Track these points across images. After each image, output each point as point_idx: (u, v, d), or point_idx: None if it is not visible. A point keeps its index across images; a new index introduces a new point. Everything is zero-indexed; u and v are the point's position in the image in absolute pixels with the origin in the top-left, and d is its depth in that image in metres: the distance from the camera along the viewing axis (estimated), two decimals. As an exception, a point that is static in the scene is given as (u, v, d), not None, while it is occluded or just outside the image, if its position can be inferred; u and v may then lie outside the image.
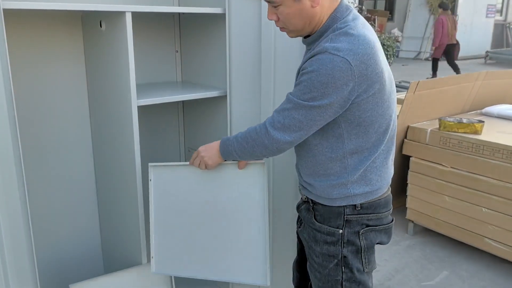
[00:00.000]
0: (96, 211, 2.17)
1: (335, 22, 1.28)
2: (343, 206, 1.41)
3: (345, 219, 1.41)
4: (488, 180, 2.71)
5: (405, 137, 3.14)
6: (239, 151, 1.41)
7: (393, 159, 1.50)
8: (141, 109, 1.75)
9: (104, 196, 2.10)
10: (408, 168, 3.14)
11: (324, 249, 1.44)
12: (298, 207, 1.60)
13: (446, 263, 2.92)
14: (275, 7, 1.30)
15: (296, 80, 1.33)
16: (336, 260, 1.44)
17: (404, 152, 3.15)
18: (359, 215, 1.42)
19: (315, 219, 1.46)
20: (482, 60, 13.91)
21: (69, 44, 1.93)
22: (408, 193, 3.17)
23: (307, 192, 1.49)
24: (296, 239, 1.73)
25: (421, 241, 3.19)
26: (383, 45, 9.56)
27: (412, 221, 3.23)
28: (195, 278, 1.72)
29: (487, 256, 2.93)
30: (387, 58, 9.73)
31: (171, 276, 1.87)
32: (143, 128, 2.16)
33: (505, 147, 2.62)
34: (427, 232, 3.26)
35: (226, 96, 1.95)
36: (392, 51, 9.86)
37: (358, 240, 1.42)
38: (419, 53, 14.46)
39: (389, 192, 1.51)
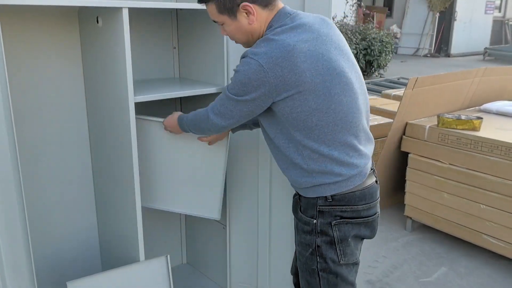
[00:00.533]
0: (94, 208, 2.16)
1: (269, 29, 1.41)
2: (316, 197, 1.45)
3: (318, 209, 1.46)
4: (487, 177, 2.71)
5: (404, 133, 3.13)
6: (192, 129, 1.64)
7: (369, 149, 1.51)
8: (139, 105, 1.74)
9: (101, 193, 2.09)
10: (406, 164, 3.13)
11: (302, 237, 1.52)
12: (293, 198, 1.65)
13: (444, 259, 2.92)
14: (221, 25, 1.47)
15: None
16: (311, 249, 1.49)
17: (403, 148, 3.15)
18: (331, 207, 1.45)
19: (300, 210, 1.53)
20: (481, 57, 13.90)
21: (66, 40, 1.91)
22: (406, 189, 3.17)
23: (291, 183, 1.56)
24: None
25: (419, 238, 3.19)
26: (381, 41, 9.53)
27: (411, 218, 3.23)
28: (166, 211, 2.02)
29: (485, 253, 2.93)
30: (386, 55, 9.71)
31: (168, 273, 1.87)
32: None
33: (503, 144, 2.62)
34: (425, 229, 3.26)
35: (223, 92, 1.94)
36: (390, 48, 9.82)
37: (331, 231, 1.46)
38: (418, 49, 14.45)
39: (370, 184, 1.50)
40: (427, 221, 3.11)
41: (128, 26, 1.60)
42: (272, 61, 1.30)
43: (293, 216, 1.59)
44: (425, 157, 3.02)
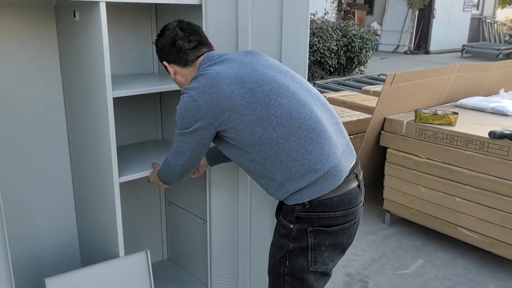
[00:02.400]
0: (73, 204, 2.14)
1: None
2: (295, 204, 1.47)
3: (295, 215, 1.47)
4: (462, 171, 2.77)
5: (382, 128, 3.18)
6: (163, 178, 1.74)
7: (340, 140, 1.50)
8: (118, 101, 1.73)
9: (80, 188, 2.07)
10: (385, 159, 3.19)
11: (277, 239, 1.54)
12: None
13: (421, 251, 2.99)
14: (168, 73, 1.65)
15: None
16: (282, 252, 1.51)
17: (381, 143, 3.20)
18: (308, 213, 1.46)
19: (281, 214, 1.55)
20: (459, 54, 14.16)
21: (42, 35, 1.89)
22: (385, 184, 3.22)
23: (269, 193, 1.58)
24: None
25: (397, 231, 3.25)
26: (362, 38, 9.63)
27: (389, 212, 3.29)
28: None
29: (460, 244, 3.00)
30: (366, 51, 9.81)
31: (149, 268, 1.87)
32: (119, 121, 2.14)
33: (477, 138, 2.68)
34: (403, 222, 3.33)
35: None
36: (371, 44, 9.94)
37: (306, 237, 1.47)
38: (398, 46, 14.64)
39: (350, 190, 1.48)
40: (405, 214, 3.18)
41: (106, 21, 1.59)
42: (200, 90, 1.43)
43: (272, 210, 1.60)
44: (403, 151, 3.07)
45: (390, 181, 3.19)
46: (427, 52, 14.62)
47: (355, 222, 1.53)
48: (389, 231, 3.25)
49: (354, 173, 1.52)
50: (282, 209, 1.55)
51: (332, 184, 1.44)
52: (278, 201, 1.61)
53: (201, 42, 1.59)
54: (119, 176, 1.78)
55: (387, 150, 3.17)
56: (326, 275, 1.56)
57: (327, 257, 1.51)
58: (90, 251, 2.12)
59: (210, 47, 1.62)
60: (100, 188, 1.86)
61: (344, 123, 3.59)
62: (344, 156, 1.51)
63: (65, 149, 2.06)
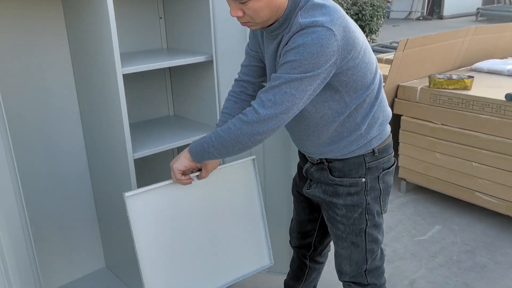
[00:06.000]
0: (89, 183, 2.18)
1: (297, 2, 1.29)
2: (363, 155, 1.47)
3: (367, 167, 1.48)
4: (478, 135, 2.73)
5: (396, 96, 3.14)
6: (218, 144, 1.33)
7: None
8: (128, 78, 1.73)
9: (95, 167, 2.10)
10: (399, 127, 3.15)
11: (348, 200, 1.50)
12: (306, 170, 1.59)
13: (438, 218, 2.98)
14: (243, 3, 1.26)
15: (278, 63, 1.30)
16: (360, 209, 1.51)
17: (395, 111, 3.16)
18: (377, 161, 1.49)
19: (333, 175, 1.50)
20: (473, 18, 13.77)
21: (49, 14, 1.88)
22: (399, 152, 3.20)
23: (321, 155, 1.49)
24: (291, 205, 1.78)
25: (413, 199, 3.24)
26: (372, 5, 9.40)
27: (405, 180, 3.28)
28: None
29: (477, 210, 2.99)
30: (377, 19, 9.59)
31: (256, 176, 1.70)
32: (130, 98, 2.15)
33: (494, 101, 2.63)
34: (419, 190, 3.31)
35: (212, 60, 1.93)
36: (382, 12, 9.71)
37: (378, 185, 1.51)
38: (410, 13, 14.29)
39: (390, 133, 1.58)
40: (420, 181, 3.16)
41: (111, -4, 1.57)
42: (337, 26, 1.22)
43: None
44: (417, 118, 3.03)
45: (405, 149, 3.16)
46: (440, 17, 14.26)
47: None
48: (405, 199, 3.24)
49: None
50: (329, 170, 1.48)
51: (388, 128, 1.54)
52: (318, 166, 1.51)
53: None
54: (133, 152, 1.80)
55: (401, 117, 3.13)
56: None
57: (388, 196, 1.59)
58: (109, 229, 2.16)
59: None
60: (115, 165, 1.88)
61: (357, 92, 3.57)
62: None
63: (78, 128, 2.08)
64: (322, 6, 1.25)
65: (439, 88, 2.90)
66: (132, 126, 2.06)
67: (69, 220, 2.15)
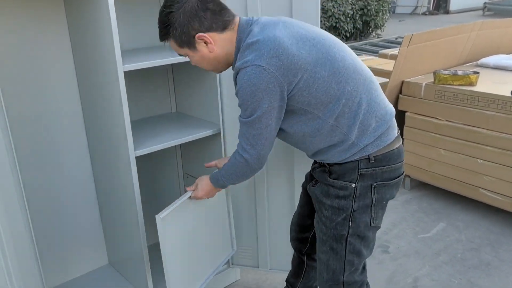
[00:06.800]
0: (92, 180, 2.18)
1: (241, 43, 1.37)
2: (357, 160, 1.42)
3: (359, 173, 1.43)
4: (483, 131, 2.71)
5: (400, 92, 3.11)
6: (232, 181, 1.55)
7: (384, 98, 1.48)
8: (130, 75, 1.72)
9: (98, 164, 2.10)
10: (403, 123, 3.13)
11: (335, 202, 1.46)
12: (313, 169, 1.62)
13: (442, 215, 2.96)
14: (186, 56, 1.46)
15: None
16: (344, 214, 1.46)
17: (400, 107, 3.14)
18: (373, 168, 1.43)
19: (330, 177, 1.48)
20: (480, 12, 13.65)
21: (51, 11, 1.87)
22: (404, 148, 3.18)
23: (321, 161, 1.52)
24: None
25: (417, 195, 3.22)
26: (378, 0, 9.34)
27: (409, 176, 3.26)
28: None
29: (482, 207, 2.97)
30: (383, 14, 9.53)
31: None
32: (132, 95, 2.14)
33: (499, 97, 2.60)
34: (423, 186, 3.29)
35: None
36: (387, 7, 9.64)
37: (370, 194, 1.44)
38: (416, 7, 14.18)
39: (401, 143, 1.51)
40: (425, 178, 3.14)
41: (112, -7, 1.56)
42: (266, 56, 1.26)
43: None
44: (421, 114, 3.01)
45: (409, 145, 3.14)
46: (447, 11, 14.14)
47: (404, 175, 1.55)
48: (409, 196, 3.22)
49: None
50: (329, 172, 1.48)
51: (393, 134, 1.45)
52: (319, 167, 1.54)
53: (224, 5, 1.40)
54: (135, 150, 1.79)
55: (406, 114, 3.11)
56: (378, 229, 1.57)
57: (383, 212, 1.53)
58: (112, 226, 2.16)
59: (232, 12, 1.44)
60: (117, 162, 1.88)
61: (361, 88, 3.54)
62: None
63: (80, 125, 2.08)
64: (252, 44, 1.30)
65: (444, 84, 2.87)
66: (134, 123, 2.06)
67: (72, 217, 2.16)
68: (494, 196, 2.75)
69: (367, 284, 1.66)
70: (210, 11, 1.33)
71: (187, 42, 1.37)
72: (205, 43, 1.37)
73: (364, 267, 1.61)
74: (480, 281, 2.32)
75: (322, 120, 1.37)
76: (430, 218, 2.93)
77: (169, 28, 1.35)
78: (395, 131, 1.48)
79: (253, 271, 2.40)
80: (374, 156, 1.42)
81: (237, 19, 1.40)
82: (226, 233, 2.01)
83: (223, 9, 1.38)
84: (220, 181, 1.58)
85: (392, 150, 1.45)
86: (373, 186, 1.44)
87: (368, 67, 4.42)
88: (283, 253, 2.11)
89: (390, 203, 3.14)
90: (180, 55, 1.46)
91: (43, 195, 2.05)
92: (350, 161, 1.43)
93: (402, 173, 1.52)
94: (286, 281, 2.03)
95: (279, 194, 2.06)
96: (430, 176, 3.08)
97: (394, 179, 1.48)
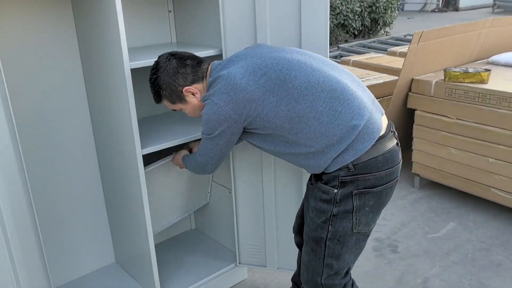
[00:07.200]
0: (99, 178, 2.17)
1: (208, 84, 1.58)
2: (338, 170, 1.43)
3: (340, 180, 1.44)
4: (495, 130, 2.66)
5: (410, 90, 3.08)
6: (192, 169, 1.80)
7: (359, 98, 1.45)
8: (137, 72, 1.71)
9: (105, 162, 2.09)
10: (413, 122, 3.09)
11: (318, 205, 1.51)
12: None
13: (452, 214, 2.92)
14: (180, 110, 1.67)
15: None
16: (324, 217, 1.48)
17: (409, 105, 3.10)
18: (353, 176, 1.43)
19: (320, 181, 1.52)
20: (490, 9, 13.50)
21: (58, 8, 1.87)
22: (413, 147, 3.14)
23: (308, 171, 1.58)
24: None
25: (427, 194, 3.19)
26: (387, -3, 9.26)
27: (418, 175, 3.22)
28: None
29: (493, 206, 2.92)
30: (391, 12, 9.45)
31: None
32: (139, 93, 2.13)
33: (511, 95, 2.56)
34: (433, 185, 3.25)
35: (221, 55, 1.90)
36: (396, 4, 9.56)
37: (351, 201, 1.44)
38: (425, 4, 14.06)
39: (391, 147, 1.47)
40: (434, 177, 3.10)
41: (119, -10, 1.55)
42: (218, 93, 1.46)
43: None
44: (431, 113, 2.97)
45: (418, 144, 3.10)
46: (456, 9, 14.01)
47: (397, 181, 1.53)
48: (419, 195, 3.18)
49: (392, 131, 1.52)
50: (320, 177, 1.52)
51: (369, 140, 1.42)
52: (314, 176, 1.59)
53: (199, 57, 1.63)
54: (142, 148, 1.78)
55: (415, 112, 3.07)
56: (367, 236, 1.56)
57: (371, 218, 1.51)
58: (119, 224, 2.15)
59: (208, 61, 1.65)
60: (124, 160, 1.87)
61: (370, 86, 3.53)
62: (375, 110, 1.50)
63: (87, 123, 2.07)
64: (212, 82, 1.52)
65: (454, 82, 2.83)
66: (140, 120, 2.05)
67: (79, 215, 2.15)
68: (506, 196, 2.70)
69: (353, 285, 1.64)
70: (189, 66, 1.56)
71: (177, 97, 1.59)
72: (192, 94, 1.58)
73: (347, 271, 1.59)
74: (491, 282, 2.28)
75: (284, 137, 1.47)
76: (440, 218, 2.89)
77: (159, 90, 1.59)
78: (374, 136, 1.43)
79: (261, 270, 2.38)
80: (354, 165, 1.41)
81: (209, 67, 1.60)
82: (204, 188, 2.33)
83: (199, 61, 1.60)
84: (186, 164, 1.83)
85: (375, 157, 1.42)
86: (353, 193, 1.44)
87: (376, 65, 4.40)
88: (291, 252, 2.09)
89: (399, 202, 3.11)
90: (175, 110, 1.67)
91: (50, 193, 2.04)
92: (332, 171, 1.44)
93: (393, 180, 1.49)
94: (291, 280, 2.01)
95: (287, 193, 2.04)
96: (440, 175, 3.04)
97: (379, 186, 1.45)
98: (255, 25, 1.80)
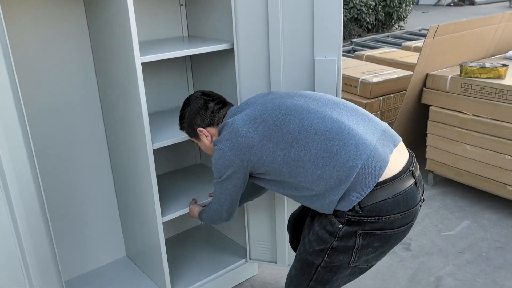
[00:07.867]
0: (110, 173, 2.18)
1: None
2: (345, 210, 1.38)
3: (346, 218, 1.38)
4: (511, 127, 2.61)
5: (424, 85, 3.02)
6: (210, 222, 1.84)
7: (358, 136, 1.38)
8: (148, 66, 1.70)
9: (116, 156, 2.09)
10: (427, 118, 3.04)
11: (320, 231, 1.45)
12: None
13: (467, 212, 2.87)
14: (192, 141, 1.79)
15: None
16: (323, 246, 1.44)
17: (423, 101, 3.05)
18: (360, 217, 1.36)
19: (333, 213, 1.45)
20: (507, 3, 13.25)
21: (70, 4, 1.86)
22: (427, 143, 3.09)
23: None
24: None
25: (441, 192, 3.14)
26: (401, -9, 9.13)
27: (432, 172, 3.17)
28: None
29: (509, 204, 2.87)
30: (406, 6, 9.32)
31: None
32: (150, 87, 2.12)
33: (530, 91, 2.50)
34: (447, 182, 3.20)
35: (233, 49, 1.88)
36: (411, -2, 9.44)
37: (354, 238, 1.39)
38: (440, -2, 13.85)
39: (406, 188, 1.36)
40: (449, 174, 3.05)
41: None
42: (224, 140, 1.53)
43: None
44: (446, 108, 2.92)
45: (433, 140, 3.05)
46: (472, 3, 13.77)
47: (411, 225, 1.43)
48: (432, 192, 3.14)
49: (410, 170, 1.39)
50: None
51: (374, 176, 1.33)
52: None
53: (226, 102, 1.71)
54: (153, 142, 1.77)
55: (430, 107, 3.02)
56: (365, 270, 1.52)
57: (373, 257, 1.45)
58: (130, 218, 2.16)
59: (231, 105, 1.72)
60: (135, 155, 1.86)
61: (384, 81, 3.47)
62: (381, 143, 1.40)
63: (99, 117, 2.07)
64: (222, 127, 1.59)
65: (471, 77, 2.77)
66: (152, 115, 2.04)
67: (90, 209, 2.16)
68: (522, 194, 2.65)
69: None
70: (210, 110, 1.66)
71: (193, 133, 1.71)
72: (205, 135, 1.68)
73: None
74: (506, 281, 2.24)
75: (285, 181, 1.48)
76: (454, 216, 2.84)
77: (182, 122, 1.73)
78: (377, 174, 1.33)
79: (271, 266, 2.37)
80: (361, 207, 1.34)
81: (228, 111, 1.66)
82: None
83: (223, 106, 1.68)
84: (204, 220, 1.86)
85: (384, 200, 1.33)
86: (358, 233, 1.38)
87: (390, 59, 4.33)
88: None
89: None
90: (192, 141, 1.78)
91: (62, 187, 2.05)
92: (339, 211, 1.39)
93: (406, 224, 1.40)
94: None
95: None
96: (455, 172, 2.99)
97: (388, 229, 1.37)
98: (267, 19, 1.77)
